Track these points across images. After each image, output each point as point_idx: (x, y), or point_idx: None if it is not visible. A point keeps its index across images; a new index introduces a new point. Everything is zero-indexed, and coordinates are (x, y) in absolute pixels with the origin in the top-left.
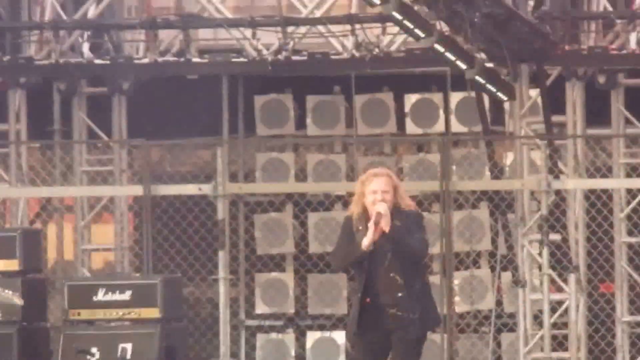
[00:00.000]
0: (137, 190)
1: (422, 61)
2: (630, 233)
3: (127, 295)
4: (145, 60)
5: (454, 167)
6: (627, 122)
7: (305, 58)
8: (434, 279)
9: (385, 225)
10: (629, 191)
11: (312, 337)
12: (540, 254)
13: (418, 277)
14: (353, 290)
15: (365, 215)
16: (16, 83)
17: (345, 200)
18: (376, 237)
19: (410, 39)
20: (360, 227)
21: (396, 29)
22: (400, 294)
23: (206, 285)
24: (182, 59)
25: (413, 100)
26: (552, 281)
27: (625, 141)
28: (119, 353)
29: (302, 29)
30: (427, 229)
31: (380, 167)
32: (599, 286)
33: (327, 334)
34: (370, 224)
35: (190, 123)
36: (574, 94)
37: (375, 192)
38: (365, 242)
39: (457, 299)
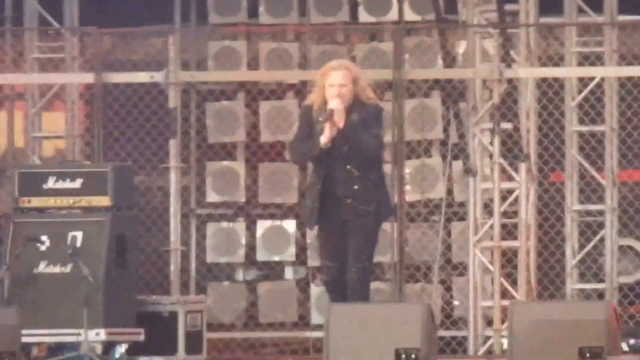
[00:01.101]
0: (89, 78)
1: None
2: (581, 122)
3: (77, 183)
4: None
5: (406, 56)
6: (580, 10)
7: None
8: (386, 168)
9: (339, 121)
10: (580, 80)
11: (262, 225)
12: (491, 143)
13: (374, 169)
14: (311, 182)
15: (325, 106)
16: None
17: (297, 89)
18: (333, 132)
19: None
20: (321, 119)
21: None
22: (356, 186)
23: (157, 174)
24: None
25: None
26: (503, 170)
27: (577, 30)
28: (68, 241)
29: None
30: (385, 122)
31: (341, 59)
32: (549, 175)
33: (277, 222)
34: (322, 119)
35: (142, 11)
36: None
37: (332, 86)
38: (323, 139)
39: (407, 187)
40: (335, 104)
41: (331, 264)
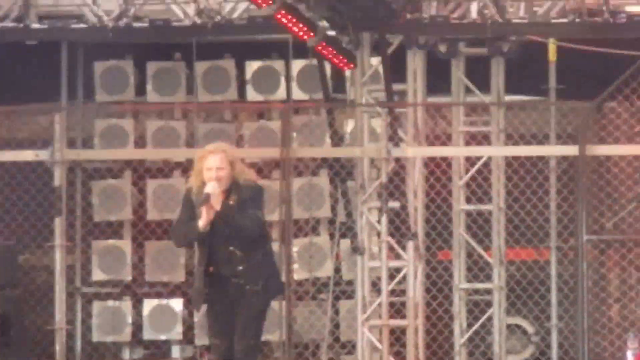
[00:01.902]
0: None
1: (264, 28)
2: (468, 201)
3: None
4: None
5: (294, 135)
6: (467, 90)
7: (146, 25)
8: (274, 247)
9: (216, 204)
10: (467, 159)
11: (149, 304)
12: (379, 222)
13: (258, 247)
14: (197, 264)
15: (203, 189)
16: None
17: (184, 167)
18: (211, 216)
19: (252, 6)
20: (198, 203)
21: None
22: (240, 267)
23: (42, 253)
24: (21, 25)
25: (254, 67)
26: (391, 248)
27: (465, 109)
28: None
29: None
30: (265, 202)
31: (219, 142)
32: (437, 253)
33: (164, 301)
34: (199, 204)
35: (28, 89)
36: (415, 63)
37: (210, 170)
38: (201, 223)
39: (295, 266)
40: (211, 188)
41: (219, 343)
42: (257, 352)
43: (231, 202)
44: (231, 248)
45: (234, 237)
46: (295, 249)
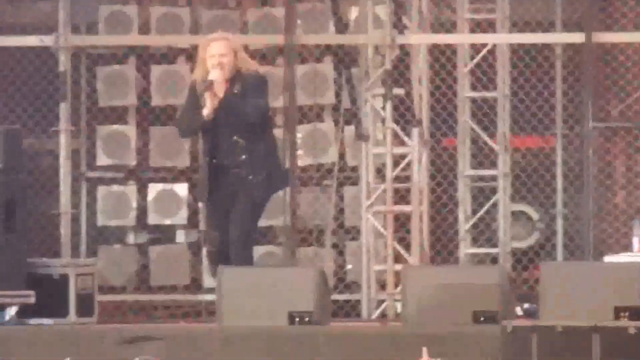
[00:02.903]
0: None
1: None
2: (473, 88)
3: None
4: None
5: (298, 22)
6: None
7: None
8: (278, 133)
9: (219, 91)
10: (472, 46)
11: (153, 189)
12: (383, 108)
13: (262, 138)
14: (202, 155)
15: (207, 78)
16: None
17: (188, 53)
18: (215, 104)
19: None
20: (200, 90)
21: None
22: (243, 157)
23: (47, 137)
24: None
25: None
26: (395, 135)
27: None
28: None
29: None
30: (268, 92)
31: (221, 31)
32: (441, 140)
33: (168, 186)
34: (201, 90)
35: None
36: None
37: (212, 57)
38: (205, 111)
39: (299, 152)
40: (214, 75)
41: (216, 234)
42: (252, 241)
43: (235, 91)
44: (234, 137)
45: (238, 126)
46: (299, 135)
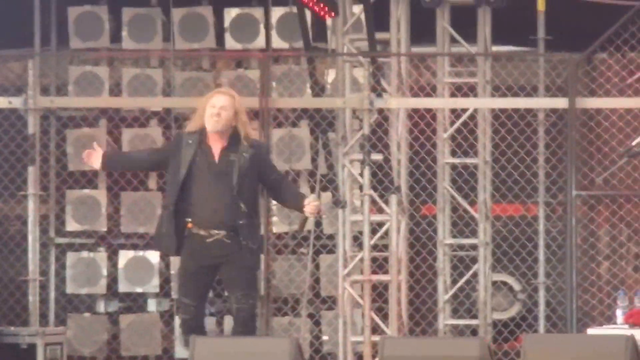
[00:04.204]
0: None
1: None
2: (453, 154)
3: None
4: None
5: (274, 84)
6: (453, 40)
7: None
8: None
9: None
10: (453, 111)
11: (124, 256)
12: (361, 174)
13: (256, 204)
14: (165, 206)
15: (200, 132)
16: None
17: (161, 117)
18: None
19: None
20: (191, 142)
21: None
22: (242, 222)
23: (15, 202)
24: None
25: (233, 14)
26: (373, 202)
27: (450, 60)
28: None
29: None
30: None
31: (227, 88)
32: (420, 208)
33: (140, 253)
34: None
35: (0, 35)
36: (399, 11)
37: (213, 107)
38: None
39: (275, 219)
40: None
41: (190, 302)
42: (255, 314)
43: (243, 154)
44: (236, 201)
45: (242, 190)
46: (274, 201)
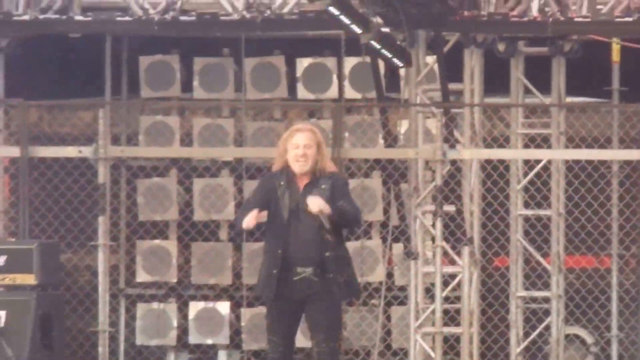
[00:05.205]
0: (14, 151)
1: (315, 24)
2: (526, 205)
3: (1, 261)
4: (26, 17)
5: (346, 134)
6: (527, 91)
7: (193, 18)
8: None
9: (327, 210)
10: (526, 162)
11: (194, 307)
12: (433, 226)
13: (342, 242)
14: (270, 249)
15: (287, 171)
16: None
17: (232, 166)
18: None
19: (304, 0)
20: (283, 183)
21: None
22: (328, 254)
23: (85, 252)
24: (64, 17)
25: (305, 64)
26: (445, 254)
27: (523, 111)
28: None
29: None
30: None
31: (306, 123)
32: (493, 260)
33: (210, 304)
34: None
35: (71, 83)
36: (472, 62)
37: (297, 147)
38: (246, 223)
39: None
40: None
41: (279, 341)
42: (339, 354)
43: (322, 186)
44: (322, 233)
45: (321, 223)
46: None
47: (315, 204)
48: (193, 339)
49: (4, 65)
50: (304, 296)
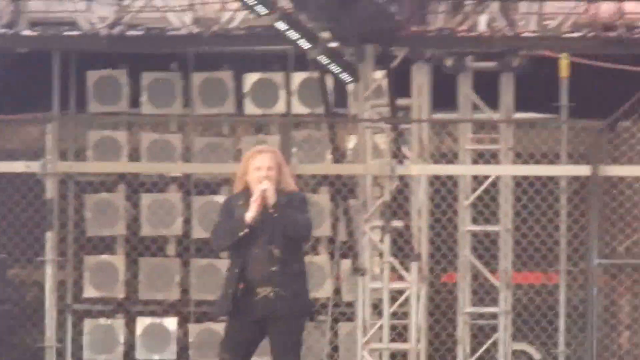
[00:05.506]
0: None
1: (263, 39)
2: (474, 221)
3: None
4: None
5: (294, 150)
6: (475, 107)
7: (141, 33)
8: None
9: (271, 200)
10: (474, 178)
11: (142, 323)
12: (381, 241)
13: (297, 259)
14: (232, 266)
15: (247, 192)
16: None
17: (180, 182)
18: (258, 211)
19: (252, 15)
20: (241, 203)
21: (236, 4)
22: (274, 268)
23: (32, 268)
24: (11, 32)
25: (253, 79)
26: (393, 269)
27: (472, 127)
28: None
29: (139, 3)
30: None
31: (266, 145)
32: (441, 276)
33: (157, 320)
34: (253, 199)
35: (19, 98)
36: (420, 77)
37: (259, 169)
38: (249, 214)
39: None
40: (266, 184)
41: (230, 358)
42: None
43: (282, 202)
44: (270, 248)
45: (277, 240)
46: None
47: (265, 184)
48: (140, 354)
49: None
50: (264, 316)
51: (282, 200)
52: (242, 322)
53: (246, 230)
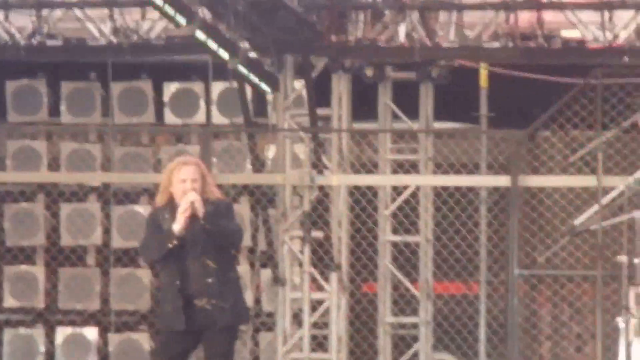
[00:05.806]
0: None
1: (183, 49)
2: (395, 231)
3: None
4: None
5: (214, 160)
6: (395, 116)
7: (60, 43)
8: None
9: (199, 211)
10: (394, 188)
11: (62, 332)
12: (301, 251)
13: (231, 267)
14: (166, 282)
15: (172, 204)
16: None
17: (100, 191)
18: (186, 223)
19: (171, 25)
20: (167, 216)
21: (156, 14)
22: (210, 280)
23: None
24: None
25: (172, 89)
26: (313, 279)
27: (391, 137)
28: None
29: (58, 13)
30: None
31: (188, 155)
32: (361, 286)
33: (78, 329)
34: (181, 211)
35: None
36: (340, 87)
37: (184, 181)
38: (177, 226)
39: None
40: (193, 196)
41: None
42: None
43: (209, 211)
44: (204, 260)
45: (209, 250)
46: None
47: (192, 196)
48: None
49: None
50: (201, 327)
51: (209, 209)
52: (177, 332)
53: (175, 242)
